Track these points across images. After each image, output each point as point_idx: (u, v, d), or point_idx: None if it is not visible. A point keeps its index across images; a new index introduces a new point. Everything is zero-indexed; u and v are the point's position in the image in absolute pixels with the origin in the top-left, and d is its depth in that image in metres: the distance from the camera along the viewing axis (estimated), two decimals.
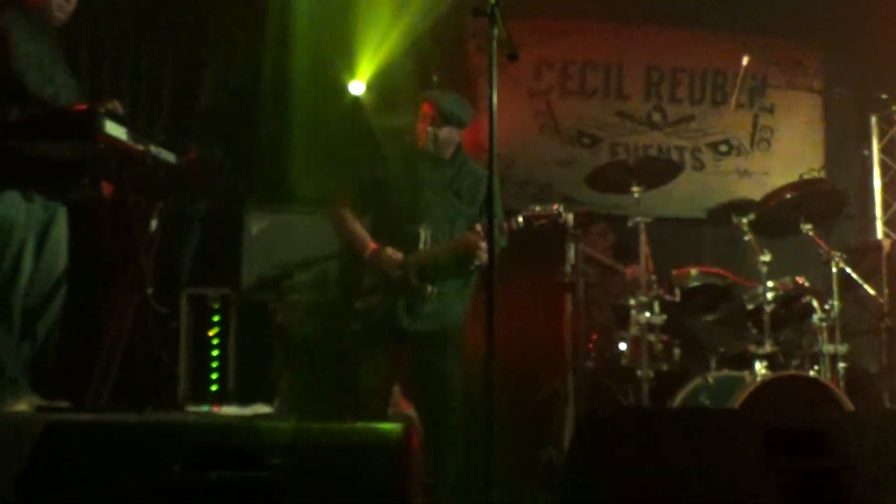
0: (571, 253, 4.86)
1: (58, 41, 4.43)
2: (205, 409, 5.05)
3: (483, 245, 4.29)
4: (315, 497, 2.11)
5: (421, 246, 4.51)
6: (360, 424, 2.25)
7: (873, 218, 6.62)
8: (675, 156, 6.26)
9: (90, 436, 2.18)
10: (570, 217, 4.80)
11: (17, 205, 4.19)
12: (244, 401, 5.02)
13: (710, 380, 4.81)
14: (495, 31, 3.01)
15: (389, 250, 4.50)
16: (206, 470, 2.10)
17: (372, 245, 4.54)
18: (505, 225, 4.43)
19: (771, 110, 6.49)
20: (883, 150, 6.65)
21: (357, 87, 5.92)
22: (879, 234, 6.56)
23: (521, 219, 4.42)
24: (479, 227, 4.38)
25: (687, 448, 2.29)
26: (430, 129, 4.58)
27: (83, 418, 2.94)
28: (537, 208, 4.43)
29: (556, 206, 4.45)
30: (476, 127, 5.97)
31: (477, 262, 4.44)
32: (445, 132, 4.59)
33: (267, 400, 5.05)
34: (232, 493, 2.09)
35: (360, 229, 4.67)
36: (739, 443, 2.33)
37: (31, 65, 4.10)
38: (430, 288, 4.48)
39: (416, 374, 4.65)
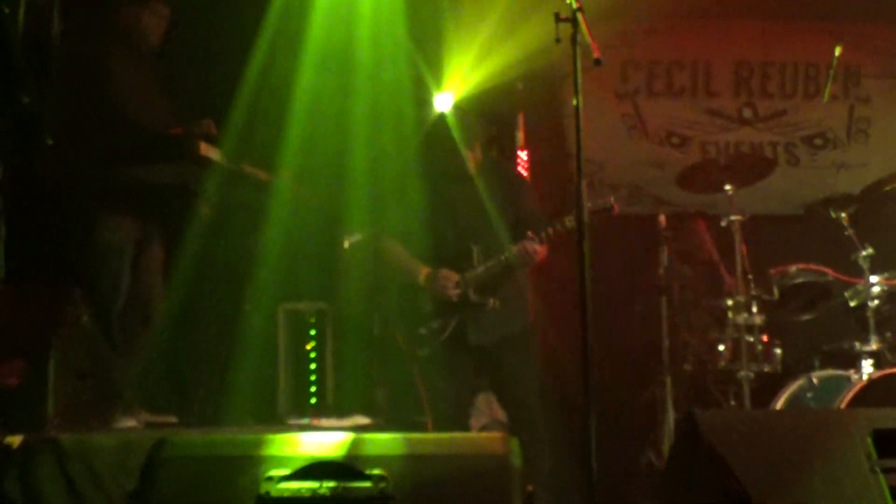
0: (664, 255, 4.80)
1: (152, 64, 4.57)
2: (304, 421, 5.14)
3: (537, 248, 4.31)
4: None
5: (475, 263, 4.49)
6: (464, 435, 2.26)
7: None
8: (767, 151, 6.12)
9: (200, 450, 2.24)
10: (663, 218, 4.76)
11: (114, 227, 4.33)
12: (342, 413, 5.09)
13: (815, 379, 4.69)
14: (578, 36, 3.00)
15: (444, 272, 4.52)
16: (313, 482, 2.14)
17: (424, 270, 4.56)
18: (550, 230, 4.39)
19: (867, 100, 6.29)
20: None
21: (445, 100, 5.89)
22: None
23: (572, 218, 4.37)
24: (530, 233, 4.37)
25: (792, 449, 2.24)
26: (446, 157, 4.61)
27: (191, 433, 3.02)
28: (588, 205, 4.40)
29: (610, 198, 4.39)
30: (560, 133, 5.98)
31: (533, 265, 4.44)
32: (465, 154, 4.62)
33: (365, 412, 5.11)
34: None
35: (408, 256, 4.68)
36: (847, 443, 2.27)
37: (130, 92, 4.24)
38: (492, 301, 4.45)
39: (495, 384, 4.67)
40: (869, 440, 2.25)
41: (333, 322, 5.39)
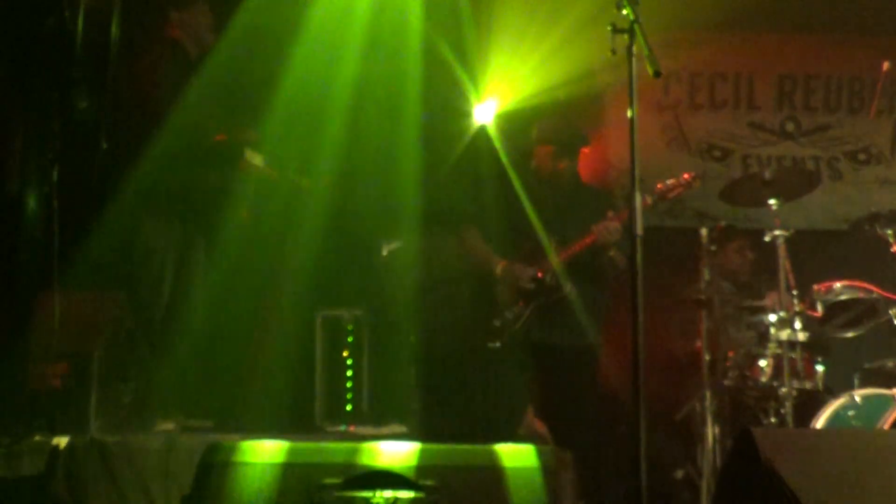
0: (706, 269, 4.76)
1: (201, 68, 4.59)
2: (341, 429, 5.13)
3: (617, 225, 4.37)
4: None
5: (552, 252, 4.59)
6: (517, 446, 2.24)
7: None
8: (810, 166, 6.07)
9: (253, 456, 2.24)
10: (705, 232, 4.73)
11: (157, 232, 4.36)
12: (379, 421, 5.09)
13: (858, 398, 4.62)
14: (634, 48, 2.99)
15: (520, 265, 4.60)
16: (367, 491, 2.13)
17: (501, 262, 4.67)
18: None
19: None
20: None
21: (485, 110, 5.90)
22: None
23: (655, 195, 4.51)
24: (611, 212, 4.46)
25: (850, 470, 2.20)
26: (547, 163, 4.79)
27: (239, 439, 3.02)
28: (668, 181, 4.47)
29: (687, 176, 4.45)
30: (600, 145, 5.95)
31: (615, 250, 4.47)
32: (564, 162, 4.77)
33: (401, 420, 5.10)
34: None
35: (487, 248, 4.82)
36: None
37: (179, 99, 4.27)
38: (568, 286, 4.54)
39: (551, 392, 4.67)
40: None
41: (371, 329, 5.39)
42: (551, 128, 4.86)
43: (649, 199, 4.47)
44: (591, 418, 4.65)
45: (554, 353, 4.63)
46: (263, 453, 2.26)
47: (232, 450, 2.30)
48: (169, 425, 4.33)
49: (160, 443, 3.60)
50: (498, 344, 4.60)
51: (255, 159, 4.22)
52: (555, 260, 4.59)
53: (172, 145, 4.27)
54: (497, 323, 4.63)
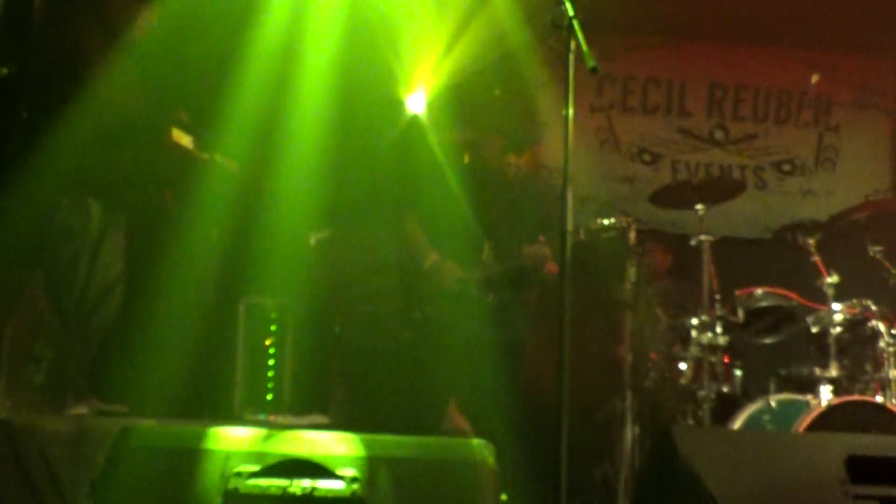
0: (632, 271, 4.80)
1: (130, 49, 4.48)
2: (261, 417, 5.06)
3: (547, 253, 4.38)
4: None
5: (483, 258, 4.58)
6: (440, 438, 2.22)
7: None
8: (736, 174, 6.18)
9: (166, 442, 2.18)
10: (632, 235, 4.77)
11: (75, 211, 4.24)
12: (300, 411, 5.03)
13: (773, 403, 4.72)
14: (573, 45, 2.98)
15: (450, 263, 4.56)
16: (284, 479, 2.09)
17: (432, 256, 4.62)
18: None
19: (836, 129, 6.37)
20: None
21: (416, 101, 5.89)
22: None
23: (591, 227, 4.45)
24: (542, 238, 4.45)
25: (767, 470, 2.23)
26: (493, 157, 4.77)
27: (154, 423, 2.94)
28: (605, 221, 4.47)
29: (624, 219, 4.48)
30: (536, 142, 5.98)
31: (541, 273, 4.49)
32: (510, 158, 4.76)
33: (323, 410, 5.05)
34: (308, 503, 2.08)
35: (423, 239, 4.76)
36: (821, 468, 2.26)
37: (104, 74, 4.15)
38: (489, 297, 4.53)
39: (474, 387, 4.67)
40: (843, 465, 2.25)
41: (295, 318, 5.32)
42: (505, 119, 4.82)
43: (582, 234, 4.45)
44: (514, 413, 4.66)
45: (478, 351, 4.62)
46: (177, 439, 2.20)
47: (144, 434, 2.23)
48: (82, 409, 4.22)
49: (71, 426, 3.50)
50: (413, 335, 4.57)
51: (183, 140, 4.12)
52: (482, 271, 4.56)
53: (94, 121, 4.15)
54: (417, 315, 4.59)
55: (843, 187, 6.32)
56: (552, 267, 4.43)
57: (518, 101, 5.59)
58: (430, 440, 2.24)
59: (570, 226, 2.97)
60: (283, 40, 5.80)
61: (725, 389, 4.76)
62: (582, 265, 5.63)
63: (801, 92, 6.07)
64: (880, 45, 6.27)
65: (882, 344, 4.75)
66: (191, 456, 2.14)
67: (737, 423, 4.73)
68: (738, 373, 4.91)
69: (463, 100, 5.64)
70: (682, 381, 4.77)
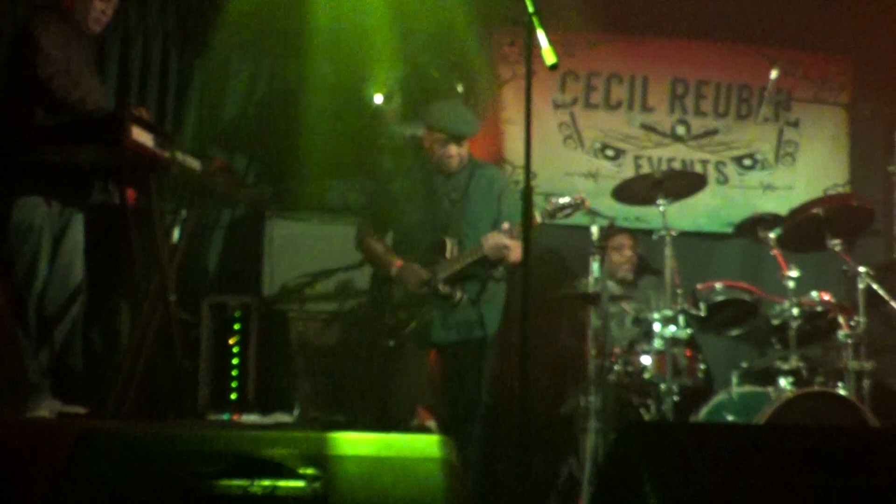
0: (595, 265, 4.82)
1: (89, 47, 4.44)
2: (224, 417, 5.03)
3: (510, 242, 4.41)
4: None
5: (447, 255, 4.60)
6: (401, 435, 2.22)
7: None
8: (698, 169, 6.21)
9: (127, 444, 2.16)
10: (595, 230, 4.79)
11: (35, 209, 4.19)
12: (264, 410, 5.01)
13: (735, 395, 4.77)
14: (532, 41, 3.00)
15: (415, 266, 4.57)
16: (244, 480, 2.07)
17: (398, 262, 4.64)
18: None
19: (796, 125, 6.43)
20: None
21: (380, 96, 5.89)
22: None
23: (545, 213, 4.54)
24: (506, 225, 4.48)
25: (729, 463, 2.25)
26: (436, 149, 4.72)
27: (116, 425, 2.92)
28: (560, 200, 4.52)
29: (578, 196, 4.50)
30: (496, 136, 5.99)
31: (506, 263, 4.52)
32: (452, 150, 4.71)
33: (286, 409, 5.03)
34: (269, 503, 2.07)
35: (383, 249, 4.80)
36: (780, 460, 2.29)
37: (58, 69, 4.10)
38: (459, 294, 4.55)
39: (447, 384, 4.69)
40: (803, 456, 2.28)
41: (259, 317, 5.30)
42: (440, 114, 4.83)
43: (538, 218, 4.49)
44: (482, 409, 4.69)
45: (453, 349, 4.65)
46: (139, 441, 2.18)
47: (106, 437, 2.21)
48: (42, 411, 4.17)
49: (32, 429, 3.45)
50: (392, 343, 4.58)
51: (143, 137, 4.07)
52: (448, 267, 4.58)
53: (53, 117, 4.10)
54: (390, 322, 4.60)
55: (803, 182, 6.38)
56: (515, 254, 4.44)
57: (454, 90, 5.62)
58: (392, 437, 2.24)
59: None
60: (241, 33, 5.80)
61: (688, 383, 4.80)
62: (547, 255, 5.71)
63: (762, 88, 6.12)
64: (839, 41, 6.34)
65: (841, 336, 4.82)
66: (152, 458, 2.12)
67: (699, 416, 4.77)
68: (701, 366, 4.95)
69: (409, 94, 5.66)
70: (646, 374, 4.81)
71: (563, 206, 4.56)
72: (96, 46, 4.55)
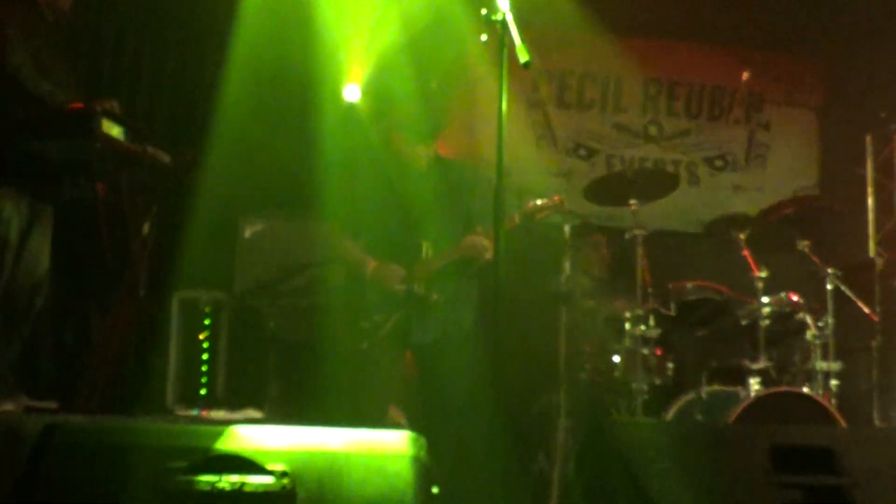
0: (567, 264, 4.84)
1: (57, 37, 4.39)
2: (193, 413, 5.00)
3: (486, 243, 4.41)
4: None
5: (423, 256, 4.58)
6: (371, 432, 2.21)
7: (866, 237, 6.63)
8: (670, 169, 6.25)
9: (93, 438, 2.14)
10: (568, 228, 4.81)
11: (3, 201, 4.14)
12: (233, 405, 4.98)
13: (703, 394, 4.80)
14: (506, 39, 3.00)
15: (391, 266, 4.56)
16: (212, 475, 2.06)
17: (372, 264, 4.61)
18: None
19: (766, 126, 6.49)
20: (877, 169, 6.66)
21: (352, 91, 5.88)
22: (872, 253, 6.56)
23: (524, 214, 4.55)
24: (479, 228, 4.47)
25: (696, 461, 2.27)
26: (404, 150, 4.72)
27: (82, 420, 2.89)
28: (538, 202, 4.53)
29: (556, 198, 4.52)
30: (469, 134, 6.00)
31: (481, 261, 4.52)
32: (420, 150, 4.71)
33: (257, 405, 5.00)
34: (237, 498, 2.06)
35: (357, 252, 4.75)
36: (746, 458, 2.31)
37: (26, 60, 4.05)
38: (434, 295, 4.54)
39: (421, 383, 4.69)
40: (767, 455, 2.30)
41: (230, 312, 5.27)
42: (404, 113, 4.82)
43: (517, 218, 4.51)
44: (456, 408, 4.69)
45: (429, 349, 4.65)
46: (105, 435, 2.16)
47: (72, 431, 2.19)
48: (9, 406, 4.12)
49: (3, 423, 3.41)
50: (365, 345, 4.56)
51: (113, 130, 4.03)
52: (424, 268, 4.57)
53: (21, 110, 4.05)
54: (366, 325, 4.58)
55: (773, 183, 6.45)
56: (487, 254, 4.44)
57: (419, 91, 5.61)
58: (362, 434, 2.23)
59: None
60: (215, 28, 5.76)
61: (658, 382, 4.82)
62: (519, 253, 5.71)
63: (733, 89, 6.17)
64: (811, 44, 6.40)
65: (809, 336, 4.86)
66: (119, 452, 2.10)
67: (669, 415, 4.80)
68: (671, 365, 4.98)
69: (378, 93, 5.65)
70: (616, 373, 4.83)
71: (542, 208, 4.57)
72: (64, 36, 4.49)
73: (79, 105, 4.17)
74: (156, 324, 4.89)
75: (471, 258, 4.56)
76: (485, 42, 3.11)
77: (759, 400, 4.55)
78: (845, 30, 6.26)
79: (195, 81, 5.85)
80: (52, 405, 4.30)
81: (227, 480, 2.07)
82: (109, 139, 4.01)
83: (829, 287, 4.93)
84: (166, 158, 4.43)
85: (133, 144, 4.14)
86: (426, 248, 4.60)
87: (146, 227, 4.63)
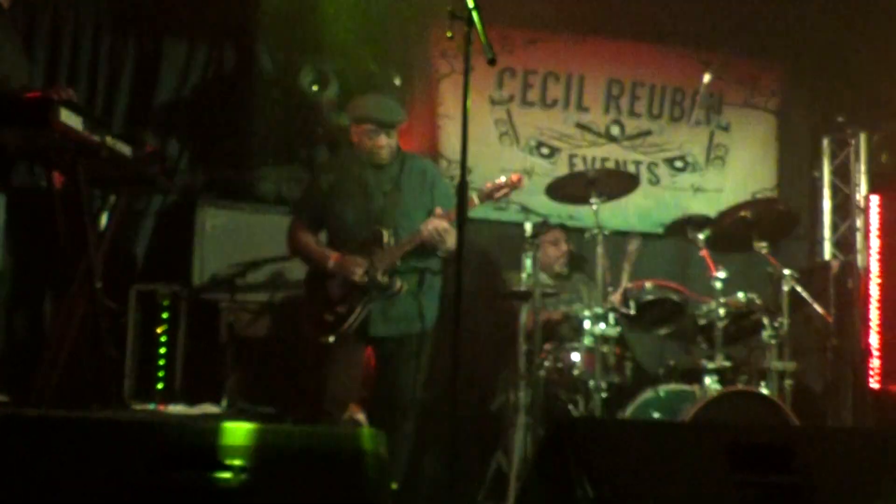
0: (528, 261, 4.86)
1: (12, 24, 4.32)
2: (150, 407, 4.95)
3: (446, 225, 4.42)
4: (281, 501, 2.05)
5: (384, 246, 4.59)
6: (330, 428, 2.20)
7: (822, 239, 6.73)
8: (631, 169, 6.28)
9: (46, 433, 2.10)
10: (528, 226, 4.82)
11: None
12: (191, 400, 4.94)
13: (661, 393, 4.83)
14: (471, 35, 3.00)
15: (352, 257, 4.56)
16: (168, 470, 2.04)
17: (333, 255, 4.61)
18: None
19: (726, 128, 6.55)
20: (834, 173, 6.76)
21: (311, 81, 5.84)
22: (827, 256, 6.66)
23: (483, 194, 4.59)
24: (438, 210, 4.49)
25: (654, 460, 2.28)
26: (365, 142, 4.70)
27: (35, 413, 2.85)
28: (497, 180, 4.58)
29: (515, 177, 4.63)
30: (431, 130, 5.99)
31: (445, 248, 4.52)
32: (381, 140, 4.69)
33: (214, 400, 4.96)
34: (193, 494, 2.04)
35: (317, 245, 4.77)
36: (703, 456, 2.33)
37: None
38: (399, 283, 4.55)
39: (382, 378, 4.69)
40: (724, 453, 2.32)
41: (188, 306, 5.22)
42: (365, 105, 4.80)
43: (476, 200, 4.55)
44: (416, 404, 4.70)
45: (391, 343, 4.65)
46: (59, 430, 2.12)
47: (26, 424, 2.15)
48: None
49: None
50: (331, 339, 4.55)
51: (71, 120, 3.97)
52: (386, 257, 4.57)
53: None
54: (329, 318, 4.57)
55: (732, 185, 6.50)
56: (453, 239, 4.44)
57: (391, 83, 5.61)
58: (320, 430, 2.23)
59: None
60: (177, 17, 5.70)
61: (617, 380, 4.85)
62: (479, 249, 5.73)
63: (694, 91, 6.23)
64: (771, 47, 6.47)
65: (765, 336, 4.92)
66: (74, 446, 2.07)
67: (626, 413, 4.83)
68: (629, 363, 5.02)
69: (345, 85, 5.64)
70: (575, 371, 4.85)
71: (500, 187, 4.62)
72: (18, 24, 4.42)
73: (36, 94, 4.11)
74: (112, 316, 4.82)
75: (432, 244, 4.57)
76: (450, 38, 3.09)
77: (716, 399, 4.60)
78: (804, 34, 6.34)
79: (156, 71, 5.78)
80: (5, 398, 4.24)
81: (185, 475, 2.05)
82: (67, 129, 3.94)
83: (785, 288, 4.99)
84: (126, 149, 4.37)
85: (92, 134, 4.08)
86: (387, 237, 4.61)
87: (103, 219, 4.57)
